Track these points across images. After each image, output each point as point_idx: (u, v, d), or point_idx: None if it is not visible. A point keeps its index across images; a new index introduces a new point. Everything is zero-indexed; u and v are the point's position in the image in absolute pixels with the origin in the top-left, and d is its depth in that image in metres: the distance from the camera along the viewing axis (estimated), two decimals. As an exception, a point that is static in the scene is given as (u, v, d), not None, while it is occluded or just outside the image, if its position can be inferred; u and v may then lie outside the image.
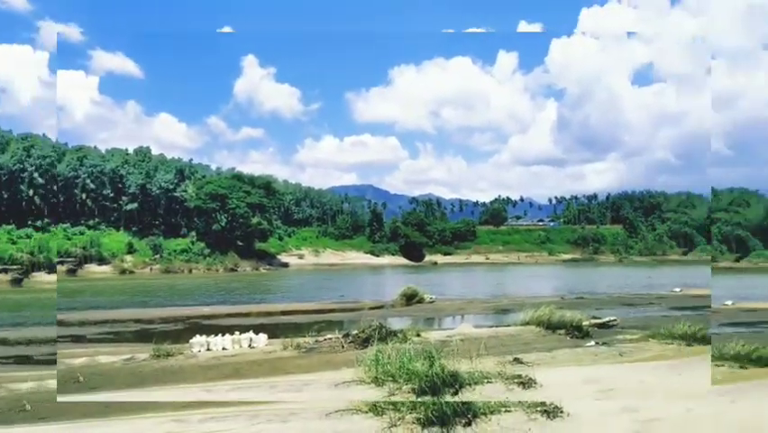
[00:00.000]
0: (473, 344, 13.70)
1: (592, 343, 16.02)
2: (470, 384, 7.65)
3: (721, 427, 6.33)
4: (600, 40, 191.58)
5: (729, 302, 35.61)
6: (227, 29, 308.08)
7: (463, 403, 6.34)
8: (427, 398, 6.86)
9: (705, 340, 14.93)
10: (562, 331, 17.61)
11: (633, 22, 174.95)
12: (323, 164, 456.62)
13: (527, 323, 18.39)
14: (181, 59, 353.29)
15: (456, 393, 7.40)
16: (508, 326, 18.95)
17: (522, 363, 11.64)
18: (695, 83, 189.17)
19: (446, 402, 6.27)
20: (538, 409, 6.47)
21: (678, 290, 38.78)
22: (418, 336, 15.96)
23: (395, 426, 6.19)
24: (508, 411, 6.44)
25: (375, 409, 6.59)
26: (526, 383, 8.00)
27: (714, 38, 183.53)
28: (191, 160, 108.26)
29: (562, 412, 6.38)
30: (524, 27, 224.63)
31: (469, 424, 6.13)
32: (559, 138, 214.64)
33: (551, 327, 17.73)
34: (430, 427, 6.06)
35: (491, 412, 6.34)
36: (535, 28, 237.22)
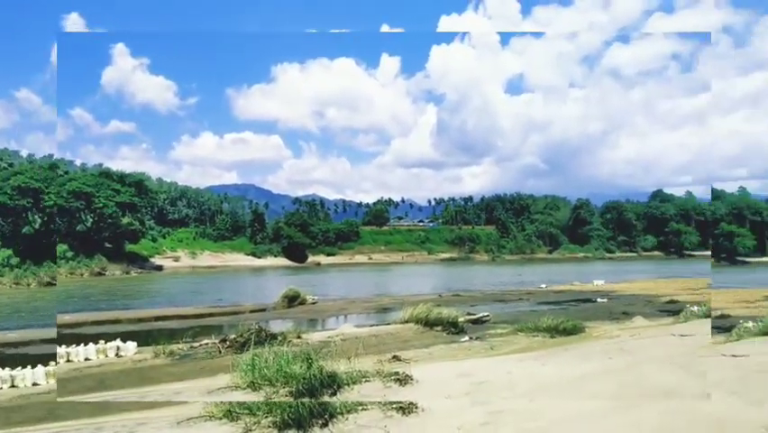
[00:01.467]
0: (354, 343, 13.79)
1: (467, 338, 16.79)
2: (348, 384, 7.66)
3: (535, 382, 7.89)
4: (477, 49, 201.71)
5: (543, 285, 40.38)
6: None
7: (320, 404, 6.33)
8: (306, 400, 6.77)
9: (575, 330, 16.20)
10: (440, 328, 18.28)
11: (473, 59, 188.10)
12: (201, 162, 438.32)
13: (407, 321, 18.86)
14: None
15: (335, 394, 7.37)
16: (388, 324, 19.32)
17: (400, 360, 11.89)
18: (560, 94, 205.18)
19: (302, 403, 6.23)
20: (394, 406, 6.61)
21: (543, 285, 41.76)
22: (299, 337, 15.78)
23: (250, 431, 6.04)
24: (365, 410, 6.52)
25: (230, 414, 6.38)
26: (403, 380, 8.16)
27: (533, 74, 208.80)
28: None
29: (416, 408, 6.57)
30: (385, 30, 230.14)
31: (326, 424, 6.12)
32: (438, 142, 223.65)
33: (429, 324, 18.33)
34: (286, 429, 5.98)
35: (348, 412, 6.38)
36: (397, 32, 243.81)
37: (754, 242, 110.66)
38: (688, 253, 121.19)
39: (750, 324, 16.75)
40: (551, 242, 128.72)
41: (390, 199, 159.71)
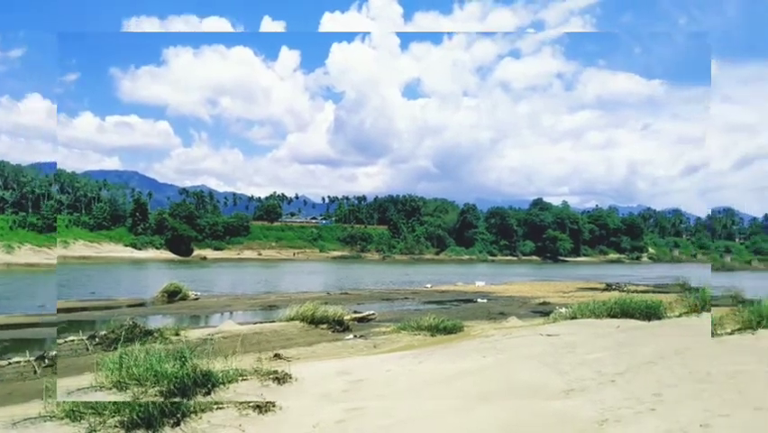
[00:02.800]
0: (235, 341, 13.44)
1: (351, 336, 16.94)
2: (223, 383, 7.45)
3: (412, 380, 8.25)
4: (378, 50, 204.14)
5: (428, 285, 42.40)
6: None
7: (172, 403, 6.13)
8: (177, 399, 6.49)
9: (455, 329, 16.84)
10: (325, 326, 18.27)
11: (372, 60, 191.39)
12: (78, 144, 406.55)
13: (292, 318, 18.66)
14: None
15: (209, 393, 7.14)
16: (273, 322, 19.03)
17: (282, 358, 11.76)
18: (454, 102, 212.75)
19: (153, 403, 6.00)
20: (251, 404, 6.56)
21: (429, 285, 43.12)
22: (177, 335, 15.11)
23: (94, 431, 5.72)
24: (221, 408, 6.41)
25: (72, 414, 6.00)
26: (282, 379, 8.07)
27: (430, 79, 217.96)
28: None
29: (274, 406, 6.57)
30: (267, 23, 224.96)
31: (177, 424, 5.93)
32: (335, 139, 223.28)
33: (314, 322, 18.26)
34: (135, 429, 5.73)
35: (202, 410, 6.24)
36: (278, 26, 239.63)
37: (572, 245, 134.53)
38: (562, 258, 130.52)
39: (563, 310, 18.60)
40: (439, 243, 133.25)
41: (284, 195, 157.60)
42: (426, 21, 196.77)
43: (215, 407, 6.36)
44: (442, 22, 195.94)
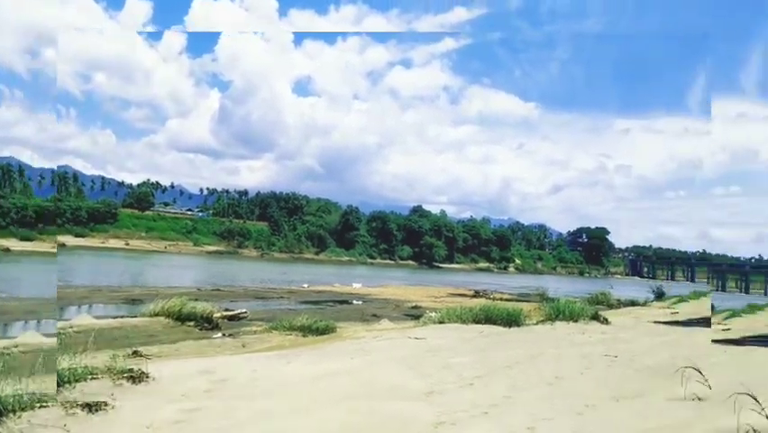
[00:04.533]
0: (89, 336, 12.47)
1: (219, 335, 16.37)
2: (70, 382, 6.86)
3: (276, 380, 8.20)
4: (270, 43, 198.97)
5: (305, 285, 42.57)
6: None
7: None
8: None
9: (327, 330, 16.81)
10: (192, 323, 17.50)
11: (242, 22, 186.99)
12: None
13: (156, 314, 17.66)
14: None
15: (53, 392, 6.54)
16: (135, 316, 17.90)
17: (141, 355, 11.08)
18: (344, 103, 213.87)
19: None
20: (79, 403, 6.18)
21: (306, 285, 42.86)
22: (21, 327, 13.72)
23: None
24: (45, 406, 5.97)
25: None
26: (137, 377, 7.59)
27: (321, 79, 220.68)
28: None
29: (106, 405, 6.24)
30: (131, 4, 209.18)
31: None
32: (219, 130, 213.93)
33: (181, 318, 17.41)
34: None
35: (23, 409, 5.77)
36: (144, 8, 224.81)
37: (446, 252, 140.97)
38: (437, 264, 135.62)
39: (433, 314, 19.65)
40: (319, 243, 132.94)
41: (158, 183, 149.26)
42: (301, 19, 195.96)
43: (39, 405, 5.83)
44: (317, 21, 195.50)
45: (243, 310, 21.56)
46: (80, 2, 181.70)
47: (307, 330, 16.39)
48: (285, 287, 41.07)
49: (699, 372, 4.58)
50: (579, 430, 6.02)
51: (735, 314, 27.94)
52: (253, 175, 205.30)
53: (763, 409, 3.72)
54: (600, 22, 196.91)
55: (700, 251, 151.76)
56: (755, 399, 3.90)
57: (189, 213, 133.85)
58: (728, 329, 24.51)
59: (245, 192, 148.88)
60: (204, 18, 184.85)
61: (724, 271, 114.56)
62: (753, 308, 30.06)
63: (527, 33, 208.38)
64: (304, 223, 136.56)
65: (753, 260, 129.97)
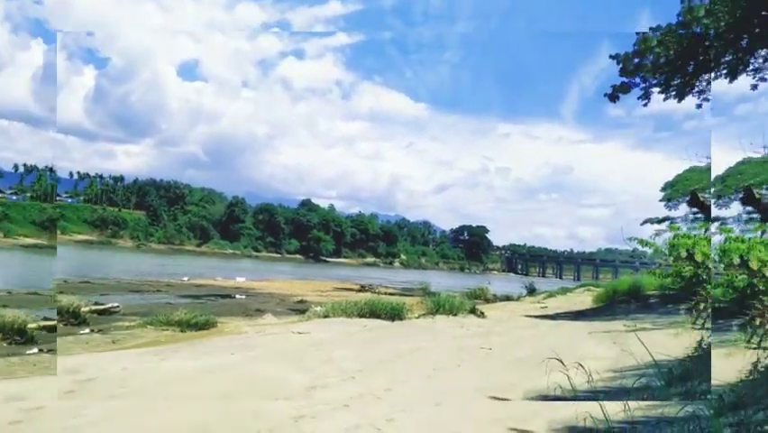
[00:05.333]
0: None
1: (87, 330, 15.25)
2: None
3: (148, 379, 7.78)
4: (153, 22, 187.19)
5: (185, 278, 41.19)
6: None
7: None
8: None
9: (207, 325, 16.16)
10: (57, 318, 16.16)
11: (147, 31, 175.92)
12: None
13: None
14: None
15: None
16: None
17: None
18: (232, 91, 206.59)
19: None
20: None
21: (185, 279, 41.09)
22: None
23: None
24: None
25: None
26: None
27: (209, 63, 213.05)
28: None
29: None
30: None
31: None
32: (93, 109, 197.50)
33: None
34: None
35: None
36: None
37: (334, 246, 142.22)
38: (324, 258, 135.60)
39: (318, 308, 19.84)
40: (202, 235, 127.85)
41: (25, 164, 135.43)
42: (200, 30, 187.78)
43: None
44: (187, 4, 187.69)
45: (116, 304, 20.27)
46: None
47: (186, 325, 15.70)
48: (163, 280, 39.06)
49: (561, 361, 5.03)
50: (440, 419, 6.31)
51: (551, 295, 37.31)
52: (131, 160, 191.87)
53: (568, 369, 4.63)
54: (470, 26, 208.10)
55: (568, 250, 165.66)
56: (561, 361, 4.77)
57: (58, 198, 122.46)
58: (546, 307, 28.77)
59: (121, 178, 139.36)
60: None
61: (544, 261, 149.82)
62: (564, 291, 40.98)
63: (419, 35, 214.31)
64: (185, 213, 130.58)
65: (565, 252, 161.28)
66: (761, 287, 9.23)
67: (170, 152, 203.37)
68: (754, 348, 7.07)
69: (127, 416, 5.97)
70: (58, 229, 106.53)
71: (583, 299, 33.25)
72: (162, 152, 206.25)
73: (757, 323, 8.10)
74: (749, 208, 19.90)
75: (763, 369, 5.82)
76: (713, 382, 6.08)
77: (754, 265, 9.87)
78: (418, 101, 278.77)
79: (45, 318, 16.02)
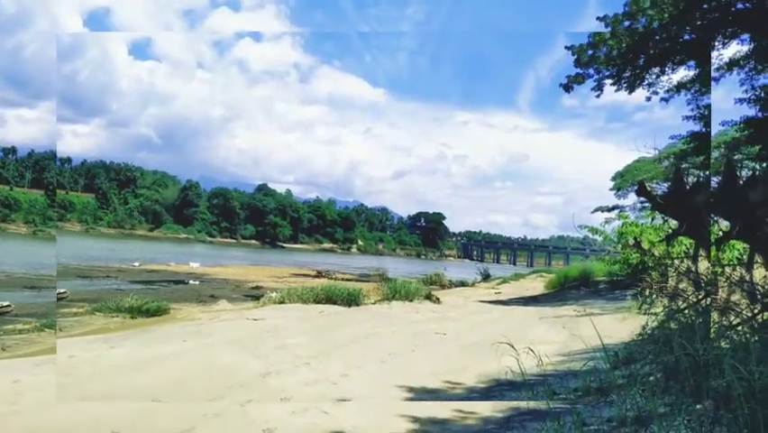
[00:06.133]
0: None
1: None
2: None
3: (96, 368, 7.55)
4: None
5: (137, 264, 40.28)
6: None
7: None
8: None
9: (159, 312, 15.82)
10: None
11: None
12: None
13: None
14: None
15: None
16: None
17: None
18: (187, 71, 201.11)
19: None
20: None
21: (137, 264, 40.08)
22: None
23: None
24: None
25: None
26: None
27: (160, 43, 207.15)
28: None
29: None
30: None
31: None
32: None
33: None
34: None
35: None
36: None
37: (291, 232, 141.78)
38: (280, 244, 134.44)
39: (274, 294, 19.81)
40: (154, 219, 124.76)
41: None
42: (152, 6, 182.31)
43: None
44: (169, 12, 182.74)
45: (63, 290, 19.61)
46: None
47: (137, 312, 15.34)
48: (113, 265, 37.99)
49: (512, 346, 5.17)
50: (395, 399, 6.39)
51: (505, 281, 38.87)
52: (79, 141, 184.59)
53: (518, 354, 4.92)
54: (420, 11, 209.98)
55: (522, 236, 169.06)
56: (512, 346, 5.03)
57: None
58: (499, 293, 29.59)
59: (69, 160, 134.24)
60: None
61: (499, 247, 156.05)
62: (517, 277, 42.70)
63: (377, 20, 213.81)
64: (137, 197, 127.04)
65: (519, 239, 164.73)
66: (650, 264, 11.47)
67: (121, 133, 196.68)
68: (644, 314, 8.34)
69: (74, 403, 5.80)
70: None
71: (536, 285, 34.11)
72: (112, 132, 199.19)
73: (647, 293, 10.12)
74: (642, 199, 21.13)
75: (650, 331, 6.87)
76: (610, 340, 7.16)
77: (645, 245, 12.45)
78: (377, 87, 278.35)
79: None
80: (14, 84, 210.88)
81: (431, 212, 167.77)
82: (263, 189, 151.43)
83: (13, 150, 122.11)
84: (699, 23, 17.08)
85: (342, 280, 35.70)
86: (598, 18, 19.90)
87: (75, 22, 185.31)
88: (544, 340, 10.77)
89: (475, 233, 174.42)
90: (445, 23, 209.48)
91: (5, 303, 17.35)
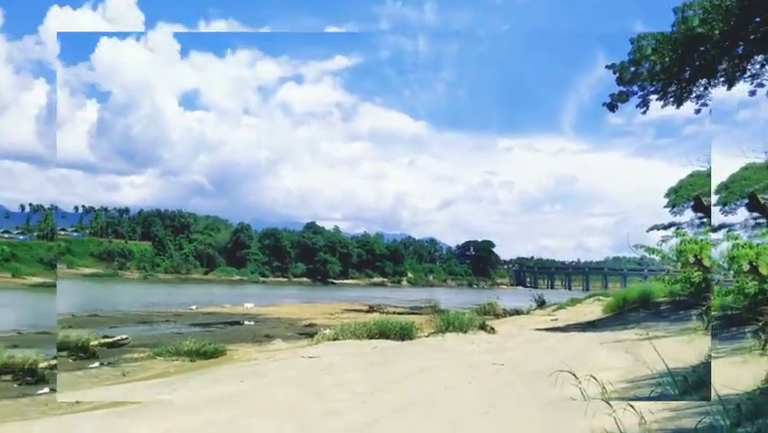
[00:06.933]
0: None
1: (96, 364, 15.21)
2: None
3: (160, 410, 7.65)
4: (154, 53, 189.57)
5: (193, 307, 40.95)
6: None
7: None
8: None
9: (216, 354, 16.10)
10: (65, 353, 16.15)
11: (147, 62, 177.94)
12: None
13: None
14: None
15: None
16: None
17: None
18: (233, 118, 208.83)
19: None
20: None
21: (194, 307, 41.00)
22: None
23: None
24: None
25: None
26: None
27: (210, 92, 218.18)
28: None
29: None
30: None
31: None
32: (96, 143, 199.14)
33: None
34: None
35: None
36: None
37: (341, 268, 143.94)
38: (331, 280, 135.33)
39: (327, 331, 19.69)
40: (208, 263, 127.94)
41: (30, 204, 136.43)
42: (201, 60, 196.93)
43: None
44: (215, 63, 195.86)
45: (125, 336, 20.22)
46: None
47: (195, 354, 15.66)
48: (171, 310, 39.00)
49: (573, 374, 4.98)
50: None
51: (561, 307, 37.48)
52: (135, 191, 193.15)
53: (580, 382, 4.47)
54: (453, 73, 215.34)
55: (576, 260, 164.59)
56: (573, 374, 4.64)
57: (63, 233, 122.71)
58: (556, 319, 28.60)
59: (126, 210, 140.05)
60: (110, 56, 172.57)
61: (552, 272, 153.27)
62: (573, 302, 41.39)
63: (415, 55, 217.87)
64: (191, 242, 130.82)
65: (573, 263, 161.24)
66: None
67: (174, 182, 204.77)
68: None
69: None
70: (63, 264, 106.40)
71: (593, 309, 33.03)
72: (166, 181, 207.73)
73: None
74: (755, 214, 19.63)
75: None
76: (731, 390, 5.89)
77: (763, 271, 9.72)
78: (418, 119, 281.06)
79: (56, 357, 15.57)
80: (126, 156, 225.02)
81: (480, 240, 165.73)
82: (312, 227, 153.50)
83: (126, 210, 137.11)
84: (752, 36, 16.55)
85: (395, 313, 35.46)
86: (642, 36, 19.68)
87: (171, 103, 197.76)
88: (606, 366, 10.39)
89: (527, 259, 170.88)
90: (484, 52, 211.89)
91: (124, 336, 19.77)
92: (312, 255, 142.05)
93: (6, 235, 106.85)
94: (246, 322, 32.04)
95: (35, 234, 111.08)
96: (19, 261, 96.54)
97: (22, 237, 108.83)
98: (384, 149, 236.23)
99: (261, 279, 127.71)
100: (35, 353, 14.55)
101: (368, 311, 41.94)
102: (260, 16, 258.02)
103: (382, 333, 17.91)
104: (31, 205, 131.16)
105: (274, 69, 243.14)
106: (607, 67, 21.15)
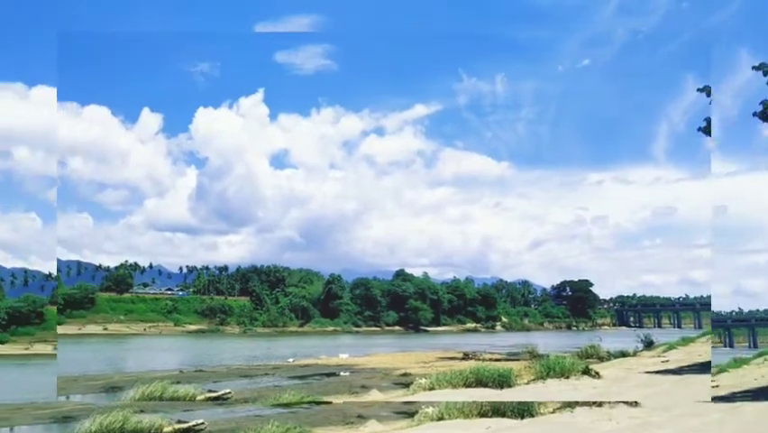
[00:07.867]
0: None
1: (202, 420, 15.77)
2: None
3: None
4: (246, 118, 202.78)
5: (291, 360, 41.61)
6: None
7: None
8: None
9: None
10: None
11: (239, 128, 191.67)
12: None
13: (138, 400, 17.07)
14: None
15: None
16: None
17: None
18: (320, 173, 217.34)
19: None
20: None
21: (291, 360, 41.85)
22: None
23: None
24: None
25: None
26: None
27: (297, 151, 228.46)
28: None
29: None
30: (145, 116, 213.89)
31: None
32: (196, 207, 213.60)
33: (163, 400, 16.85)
34: None
35: None
36: (156, 118, 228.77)
37: (432, 315, 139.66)
38: (423, 327, 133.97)
39: (423, 380, 19.18)
40: (303, 315, 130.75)
41: (136, 264, 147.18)
42: (289, 121, 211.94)
43: None
44: (302, 123, 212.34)
45: (228, 390, 20.91)
46: (100, 116, 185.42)
47: (296, 405, 15.90)
48: (270, 363, 40.03)
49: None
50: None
51: (671, 346, 34.66)
52: (233, 250, 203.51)
53: None
54: (532, 111, 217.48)
55: (683, 296, 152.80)
56: None
57: (169, 292, 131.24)
58: (667, 361, 26.74)
59: (225, 268, 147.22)
60: (206, 125, 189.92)
61: (658, 310, 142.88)
62: (686, 341, 39.07)
63: (493, 96, 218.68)
64: (286, 295, 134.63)
65: (680, 299, 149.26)
66: None
67: (268, 238, 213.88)
68: None
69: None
70: (171, 321, 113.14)
71: (708, 348, 30.43)
72: (261, 238, 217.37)
73: None
74: None
75: None
76: None
77: None
78: (501, 160, 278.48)
79: (210, 391, 19.86)
80: (223, 217, 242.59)
81: (576, 279, 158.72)
82: (401, 275, 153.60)
83: (225, 268, 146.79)
84: None
85: (491, 360, 34.42)
86: (754, 68, 19.42)
87: (262, 163, 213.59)
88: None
89: (628, 297, 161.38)
90: (564, 89, 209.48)
91: (227, 390, 20.52)
92: (402, 303, 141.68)
93: (169, 292, 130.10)
94: (342, 373, 32.23)
95: (191, 289, 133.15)
96: (179, 312, 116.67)
97: (181, 293, 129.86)
98: (468, 192, 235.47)
99: (354, 329, 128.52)
100: (193, 387, 18.37)
101: (462, 358, 40.99)
102: (362, 102, 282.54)
103: (479, 381, 17.43)
104: (187, 266, 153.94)
105: (356, 123, 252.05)
106: (754, 68, 20.68)
